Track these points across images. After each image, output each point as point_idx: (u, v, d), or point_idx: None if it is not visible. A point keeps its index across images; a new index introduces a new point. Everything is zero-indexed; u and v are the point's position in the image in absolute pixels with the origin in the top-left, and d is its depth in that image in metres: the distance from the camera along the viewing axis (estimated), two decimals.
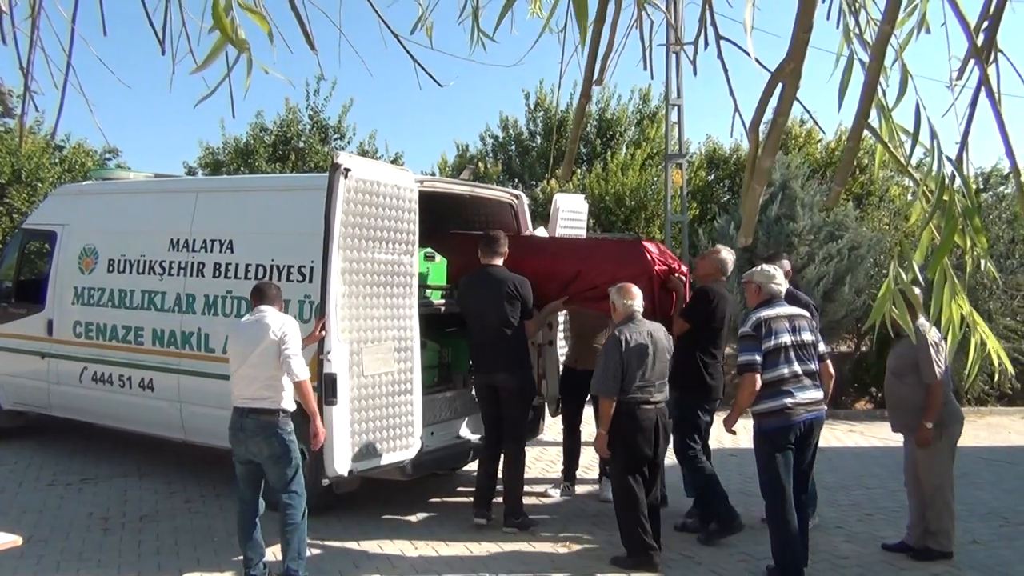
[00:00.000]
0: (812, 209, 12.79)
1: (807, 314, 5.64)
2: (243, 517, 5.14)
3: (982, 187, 13.92)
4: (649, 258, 6.44)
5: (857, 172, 17.07)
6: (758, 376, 5.28)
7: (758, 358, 5.29)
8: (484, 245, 6.48)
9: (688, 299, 6.47)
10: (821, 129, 16.49)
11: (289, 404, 5.10)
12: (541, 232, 8.05)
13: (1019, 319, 12.61)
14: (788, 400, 5.27)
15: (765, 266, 5.78)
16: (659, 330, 5.75)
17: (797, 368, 5.33)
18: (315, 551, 5.84)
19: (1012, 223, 12.71)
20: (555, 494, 7.25)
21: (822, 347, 5.63)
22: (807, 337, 5.43)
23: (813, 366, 5.43)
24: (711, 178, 18.76)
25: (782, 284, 5.63)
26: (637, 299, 5.70)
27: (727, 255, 6.50)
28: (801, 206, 12.62)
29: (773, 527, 5.40)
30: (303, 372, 5.00)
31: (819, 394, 5.44)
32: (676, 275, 6.57)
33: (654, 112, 19.29)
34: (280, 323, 5.07)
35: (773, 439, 5.35)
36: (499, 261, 6.44)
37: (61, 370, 8.13)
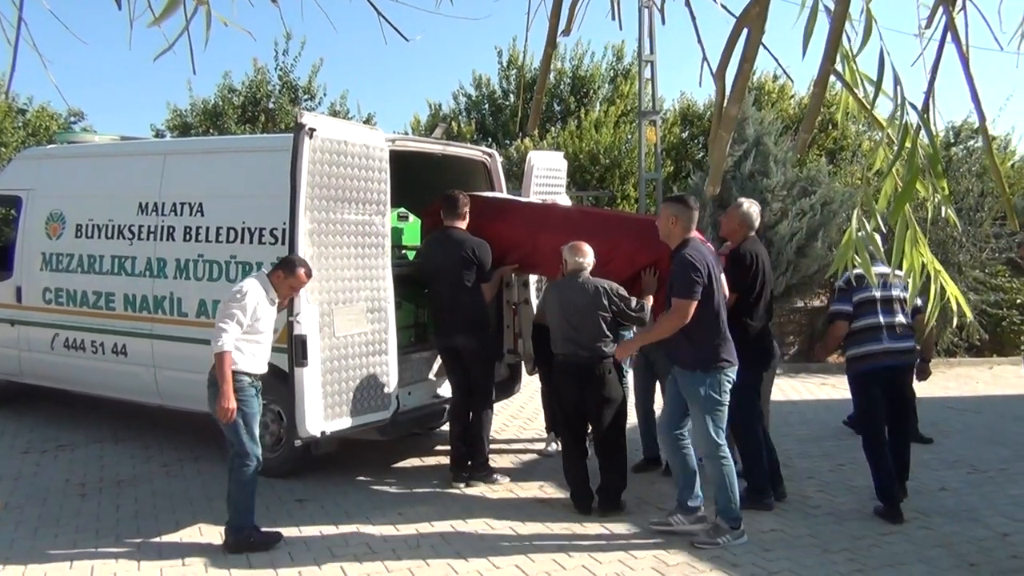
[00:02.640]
0: (785, 165, 12.83)
1: (899, 272, 5.74)
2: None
3: (952, 141, 14.01)
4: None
5: (830, 127, 17.12)
6: (845, 323, 5.82)
7: (847, 308, 5.82)
8: (445, 206, 6.47)
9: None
10: (790, 78, 16.41)
11: (247, 366, 5.13)
12: (563, 200, 7.99)
13: (988, 271, 12.80)
14: (875, 347, 5.75)
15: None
16: (595, 286, 5.66)
17: (884, 319, 5.77)
18: (294, 511, 5.88)
19: (981, 176, 12.83)
20: (552, 450, 7.25)
21: (918, 301, 5.77)
22: (896, 293, 5.84)
23: (901, 319, 5.81)
24: (685, 135, 18.72)
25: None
26: (587, 257, 5.75)
27: (750, 207, 6.02)
28: (774, 162, 12.66)
29: (869, 461, 5.87)
30: (215, 344, 5.02)
31: (906, 344, 5.86)
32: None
33: (628, 69, 19.17)
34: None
35: (862, 380, 5.85)
36: (461, 223, 6.43)
37: (32, 337, 8.04)
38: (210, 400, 5.15)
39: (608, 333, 5.70)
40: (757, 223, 6.04)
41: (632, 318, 5.75)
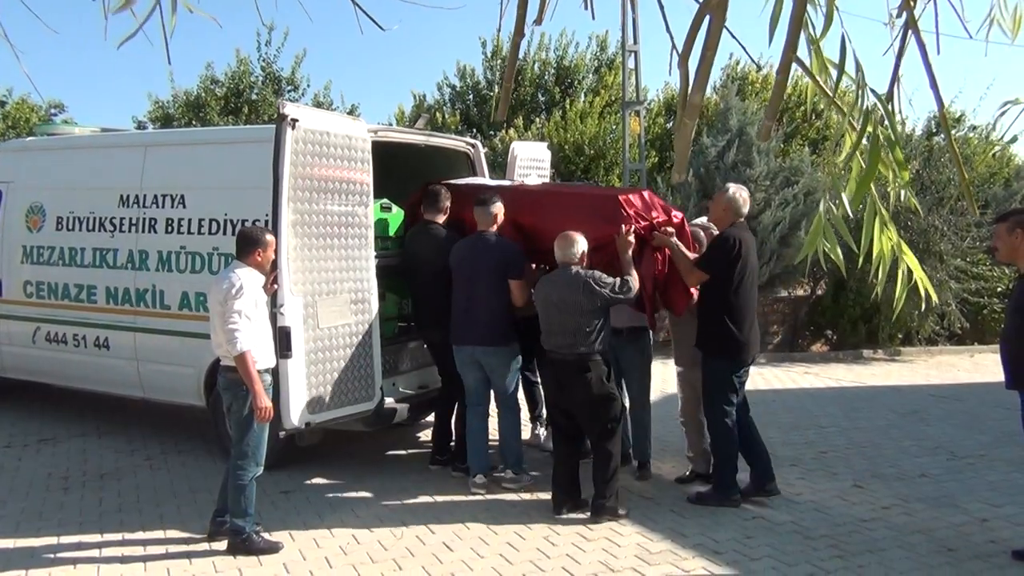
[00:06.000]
0: (769, 155, 12.89)
1: None
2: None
3: (933, 131, 14.09)
4: (625, 215, 5.77)
5: (812, 117, 17.18)
6: None
7: None
8: (426, 200, 6.49)
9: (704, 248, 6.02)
10: (757, 64, 16.42)
11: (261, 362, 5.07)
12: (533, 180, 7.96)
13: (969, 260, 12.90)
14: None
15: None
16: (583, 280, 5.52)
17: None
18: (279, 501, 5.88)
19: (964, 166, 12.92)
20: (542, 433, 7.24)
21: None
22: None
23: None
24: (670, 125, 18.72)
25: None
26: (575, 247, 5.60)
27: (736, 192, 5.84)
28: (757, 152, 12.71)
29: None
30: (232, 347, 4.93)
31: None
32: (661, 229, 5.89)
33: (612, 59, 19.15)
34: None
35: None
36: (440, 218, 6.45)
37: (13, 331, 7.99)
38: (234, 405, 5.06)
39: (597, 329, 5.51)
40: (745, 209, 5.86)
41: (619, 300, 5.56)
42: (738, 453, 5.86)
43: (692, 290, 5.98)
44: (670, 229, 5.91)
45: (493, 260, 6.01)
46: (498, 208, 6.12)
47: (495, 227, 6.11)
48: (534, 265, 6.30)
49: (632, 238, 5.70)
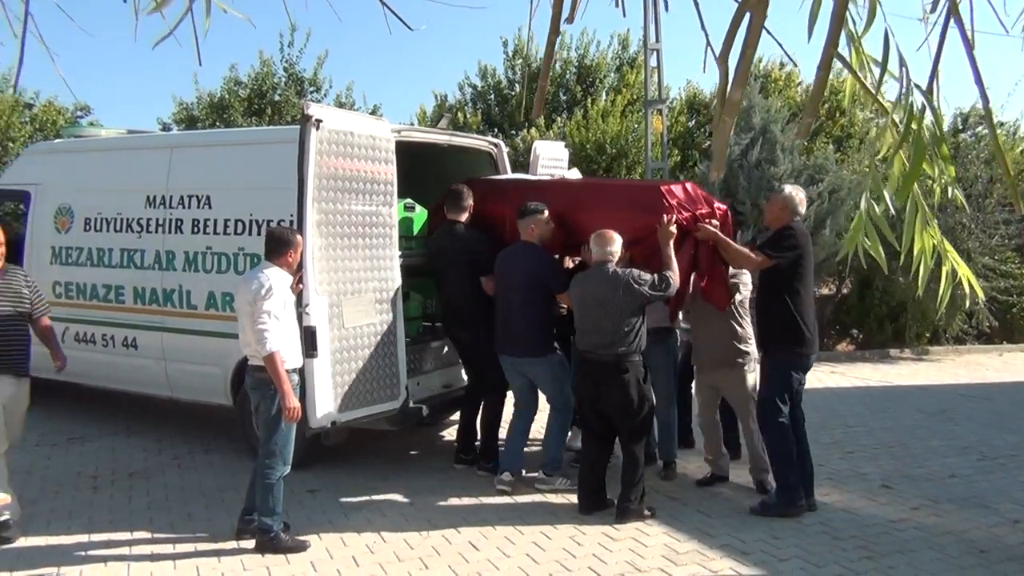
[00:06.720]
0: (792, 153, 12.79)
1: None
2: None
3: (960, 127, 13.93)
4: (667, 205, 5.67)
5: (838, 115, 17.03)
6: None
7: None
8: (448, 201, 6.50)
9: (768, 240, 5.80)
10: (794, 63, 16.30)
11: (289, 362, 5.09)
12: (574, 174, 7.96)
13: (997, 258, 12.74)
14: None
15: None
16: (621, 279, 5.44)
17: None
18: (306, 500, 5.91)
19: (990, 163, 12.77)
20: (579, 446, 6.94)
21: None
22: None
23: None
24: (692, 123, 18.63)
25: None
26: (612, 245, 5.55)
27: (793, 191, 5.71)
28: (781, 150, 12.62)
29: None
30: (261, 347, 4.94)
31: None
32: (706, 221, 5.75)
33: (634, 58, 19.07)
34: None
35: None
36: (463, 216, 6.44)
37: None
38: (262, 404, 5.08)
39: (635, 329, 5.44)
40: (802, 208, 5.71)
41: (659, 296, 5.48)
42: (795, 452, 5.63)
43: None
44: (715, 222, 5.80)
45: (530, 273, 5.99)
46: (535, 220, 6.05)
47: (536, 239, 6.06)
48: (569, 263, 6.33)
49: (674, 228, 5.59)
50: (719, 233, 5.70)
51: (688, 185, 6.01)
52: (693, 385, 6.61)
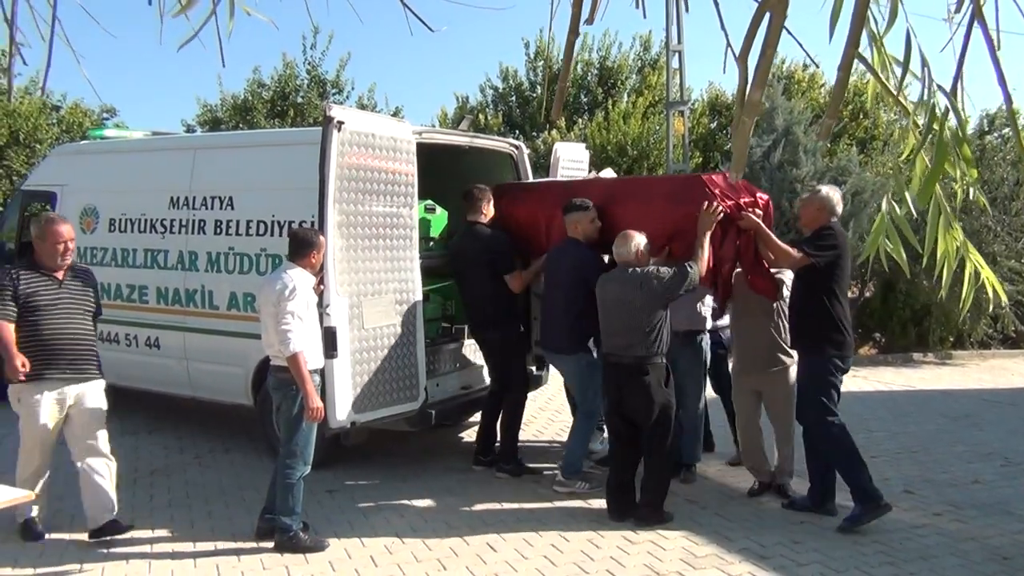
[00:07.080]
0: (815, 155, 12.71)
1: None
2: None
3: (986, 129, 13.78)
4: (709, 193, 5.51)
5: (861, 116, 16.91)
6: None
7: None
8: (466, 202, 6.52)
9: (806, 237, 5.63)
10: (815, 63, 16.21)
11: (312, 362, 5.10)
12: (608, 174, 7.95)
13: (1023, 262, 12.58)
14: None
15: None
16: (642, 277, 5.39)
17: None
18: (325, 500, 5.94)
19: (1016, 165, 12.63)
20: (599, 448, 6.87)
21: None
22: None
23: None
24: (713, 125, 18.59)
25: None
26: (631, 243, 5.48)
27: (830, 191, 5.63)
28: (804, 152, 12.54)
29: None
30: (285, 348, 4.95)
31: None
32: (749, 211, 5.61)
33: (655, 59, 19.06)
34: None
35: None
36: (482, 218, 6.46)
37: None
38: (283, 404, 5.11)
39: (655, 329, 5.34)
40: (839, 209, 5.61)
41: (674, 290, 5.32)
42: (857, 451, 5.50)
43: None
44: (758, 211, 5.68)
45: (573, 269, 5.97)
46: (579, 217, 6.00)
47: (580, 235, 6.03)
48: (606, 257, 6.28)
49: (719, 216, 5.44)
50: (762, 224, 5.58)
51: (728, 174, 5.91)
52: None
